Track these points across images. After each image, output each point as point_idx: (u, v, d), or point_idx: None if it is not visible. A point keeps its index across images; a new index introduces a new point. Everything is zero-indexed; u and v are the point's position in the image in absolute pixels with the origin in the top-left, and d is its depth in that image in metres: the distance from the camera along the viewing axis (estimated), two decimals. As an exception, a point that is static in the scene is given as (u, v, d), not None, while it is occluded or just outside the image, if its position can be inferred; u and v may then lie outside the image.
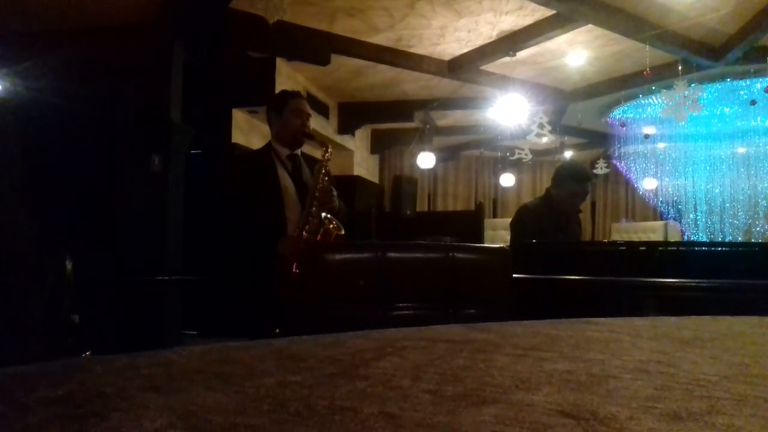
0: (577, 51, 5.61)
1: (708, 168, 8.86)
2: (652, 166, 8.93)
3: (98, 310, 3.36)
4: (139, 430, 0.39)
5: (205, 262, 3.75)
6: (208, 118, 5.05)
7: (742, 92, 6.52)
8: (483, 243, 6.71)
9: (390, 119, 7.70)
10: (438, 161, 8.59)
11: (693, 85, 5.41)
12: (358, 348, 0.70)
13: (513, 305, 1.46)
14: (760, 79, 5.96)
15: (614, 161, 9.22)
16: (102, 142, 4.26)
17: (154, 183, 4.15)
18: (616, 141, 8.32)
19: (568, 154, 9.16)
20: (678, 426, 0.42)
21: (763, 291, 2.26)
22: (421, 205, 9.34)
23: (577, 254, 3.14)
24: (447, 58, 5.88)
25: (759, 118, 7.24)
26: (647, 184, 9.16)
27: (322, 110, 6.84)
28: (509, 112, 5.99)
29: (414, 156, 8.15)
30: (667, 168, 8.95)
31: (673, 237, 7.45)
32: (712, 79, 6.02)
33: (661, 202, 9.30)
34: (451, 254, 1.43)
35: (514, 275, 1.55)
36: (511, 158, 8.73)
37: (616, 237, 8.25)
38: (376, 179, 8.82)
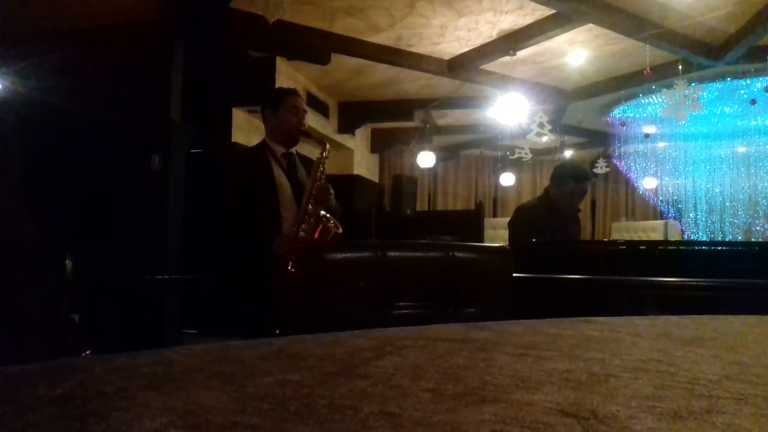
0: (577, 50, 5.60)
1: (708, 167, 8.86)
2: (652, 166, 8.93)
3: (98, 310, 3.36)
4: (139, 429, 0.39)
5: (205, 261, 3.75)
6: (209, 117, 5.05)
7: (742, 91, 6.52)
8: (483, 242, 6.71)
9: (390, 118, 7.70)
10: (438, 160, 8.59)
11: (693, 84, 5.41)
12: (358, 347, 0.70)
13: (513, 304, 1.46)
14: (760, 79, 5.96)
15: (614, 160, 9.22)
16: (102, 141, 4.26)
17: (154, 182, 4.15)
18: (617, 140, 8.32)
19: (568, 154, 9.17)
20: (678, 425, 0.42)
21: (763, 290, 2.26)
22: (421, 205, 9.35)
23: (578, 253, 3.14)
24: (447, 57, 5.88)
25: (759, 118, 7.23)
26: (647, 184, 9.16)
27: (322, 109, 6.84)
28: (509, 111, 5.98)
29: (414, 155, 8.15)
30: (667, 167, 8.95)
31: (673, 236, 7.45)
32: (712, 79, 6.02)
33: (661, 201, 9.30)
34: (451, 253, 1.43)
35: (514, 274, 1.55)
36: (511, 157, 8.73)
37: (616, 236, 8.25)
38: (376, 178, 8.82)
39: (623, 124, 7.62)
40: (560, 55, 5.74)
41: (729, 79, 6.11)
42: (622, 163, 9.09)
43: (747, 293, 2.28)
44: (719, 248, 3.96)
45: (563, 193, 3.19)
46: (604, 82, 6.52)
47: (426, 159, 7.83)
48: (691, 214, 9.11)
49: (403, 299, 1.36)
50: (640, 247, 3.36)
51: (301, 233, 2.27)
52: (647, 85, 6.07)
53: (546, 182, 3.39)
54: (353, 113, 7.37)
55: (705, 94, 5.68)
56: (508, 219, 3.54)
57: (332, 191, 2.37)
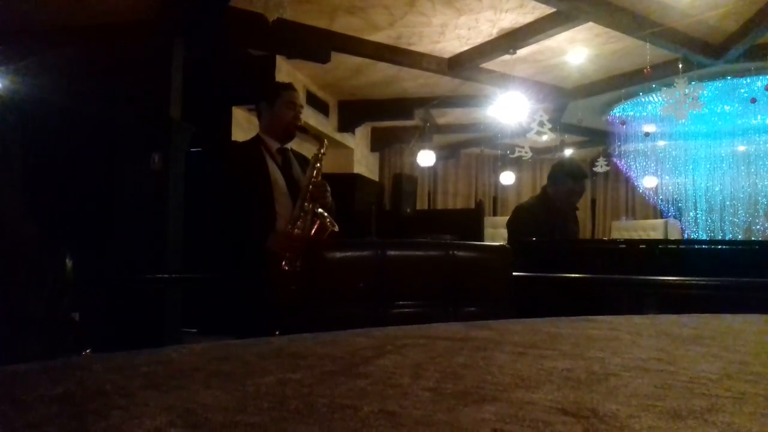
0: (577, 49, 5.60)
1: (708, 166, 8.86)
2: (652, 164, 8.93)
3: (98, 308, 3.36)
4: (139, 428, 0.39)
5: (205, 260, 3.75)
6: (208, 116, 5.05)
7: (742, 90, 6.52)
8: (483, 241, 6.71)
9: (390, 117, 7.70)
10: (438, 159, 8.59)
11: (693, 83, 5.41)
12: (358, 346, 0.70)
13: (513, 303, 1.46)
14: (761, 77, 5.96)
15: (614, 159, 9.22)
16: (102, 139, 4.26)
17: (154, 181, 4.15)
18: (617, 139, 8.32)
19: (568, 152, 9.17)
20: (678, 424, 0.42)
21: (763, 289, 2.26)
22: (421, 203, 9.35)
23: (578, 252, 3.14)
24: (447, 55, 5.87)
25: (759, 116, 7.23)
26: (647, 182, 9.16)
27: (322, 108, 6.84)
28: (509, 110, 5.98)
29: (414, 154, 8.15)
30: (668, 166, 8.95)
31: (673, 235, 7.45)
32: (712, 77, 6.01)
33: (662, 200, 9.30)
34: (451, 252, 1.43)
35: (514, 273, 1.55)
36: (511, 156, 8.73)
37: (616, 235, 8.25)
38: (376, 177, 8.82)
39: (623, 123, 7.62)
40: (560, 54, 5.74)
41: (729, 77, 6.11)
42: (622, 162, 9.09)
43: (747, 292, 2.28)
44: (719, 247, 3.96)
45: (561, 192, 3.19)
46: (605, 81, 6.51)
47: (426, 158, 7.83)
48: (691, 213, 9.11)
49: (403, 298, 1.36)
50: (640, 246, 3.36)
51: (297, 230, 2.24)
52: (647, 83, 6.07)
53: (546, 181, 3.39)
54: (353, 112, 7.36)
55: (705, 92, 5.68)
56: (508, 218, 3.54)
57: (329, 188, 2.34)
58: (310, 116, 6.40)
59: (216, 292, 4.15)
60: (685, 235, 8.72)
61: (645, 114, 7.38)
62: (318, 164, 2.32)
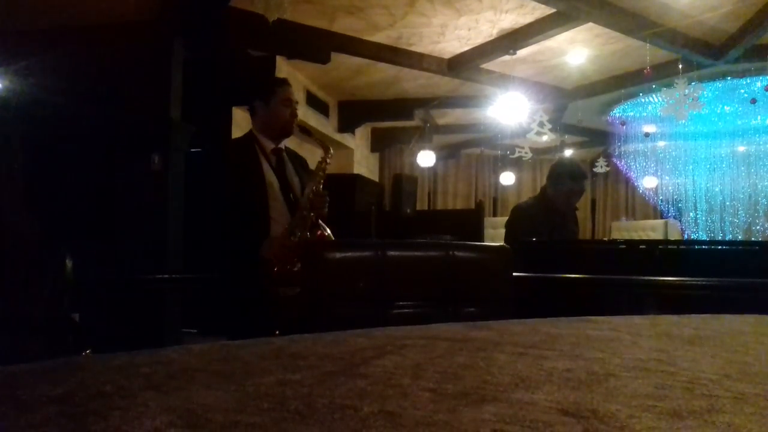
0: (577, 49, 5.60)
1: (708, 166, 8.86)
2: (652, 165, 8.94)
3: (98, 309, 3.36)
4: (139, 428, 0.39)
5: (205, 260, 3.75)
6: (208, 116, 5.05)
7: (742, 90, 6.52)
8: (483, 241, 6.70)
9: (390, 117, 7.70)
10: (438, 160, 8.59)
11: (693, 83, 5.41)
12: (358, 346, 0.70)
13: (513, 304, 1.46)
14: (761, 78, 5.96)
15: (614, 160, 9.23)
16: (102, 140, 4.26)
17: (154, 181, 4.15)
18: (617, 139, 8.33)
19: (568, 153, 9.17)
20: (678, 424, 0.42)
21: (763, 289, 2.26)
22: (422, 204, 9.35)
23: (578, 253, 3.14)
24: (447, 56, 5.88)
25: (759, 117, 7.24)
26: (647, 183, 9.17)
27: (322, 109, 6.84)
28: (509, 110, 5.99)
29: (414, 154, 8.15)
30: (668, 166, 8.95)
31: (673, 235, 7.45)
32: (712, 78, 6.02)
33: (661, 200, 9.30)
34: (451, 253, 1.43)
35: (514, 274, 1.55)
36: (511, 157, 8.74)
37: (616, 235, 8.25)
38: (376, 178, 8.82)
39: (623, 123, 7.62)
40: (560, 54, 5.74)
41: (729, 78, 6.11)
42: (622, 163, 9.10)
43: (747, 292, 2.28)
44: (719, 247, 3.96)
45: (561, 193, 3.19)
46: (605, 81, 6.52)
47: (426, 158, 7.84)
48: (691, 214, 9.11)
49: (403, 298, 1.36)
50: (640, 247, 3.36)
51: (293, 239, 2.14)
52: (647, 84, 6.08)
53: (545, 182, 3.39)
54: (353, 112, 7.36)
55: (705, 93, 5.68)
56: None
57: (328, 199, 2.24)
58: (310, 117, 6.40)
59: (216, 293, 4.14)
60: (685, 236, 8.73)
61: (645, 114, 7.38)
62: (321, 173, 2.22)
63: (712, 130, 8.06)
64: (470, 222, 7.54)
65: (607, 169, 9.12)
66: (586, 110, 7.44)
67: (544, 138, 7.00)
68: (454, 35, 5.32)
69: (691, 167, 8.95)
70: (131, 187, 4.21)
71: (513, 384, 0.52)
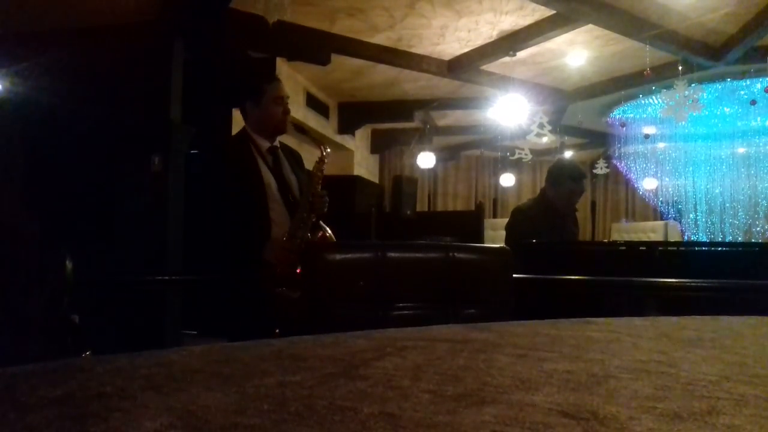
0: (577, 51, 5.61)
1: (708, 168, 8.86)
2: (652, 166, 8.94)
3: (98, 310, 3.35)
4: (139, 430, 0.39)
5: (206, 262, 3.75)
6: (208, 117, 5.05)
7: (742, 92, 6.52)
8: (483, 243, 6.70)
9: (390, 119, 7.70)
10: (438, 161, 8.59)
11: (693, 85, 5.42)
12: (358, 348, 0.70)
13: (513, 305, 1.46)
14: (760, 79, 5.96)
15: (614, 161, 9.23)
16: (102, 141, 4.26)
17: (154, 183, 4.15)
18: (617, 141, 8.33)
19: (568, 154, 9.17)
20: (678, 426, 0.42)
21: (763, 291, 2.26)
22: (421, 205, 9.35)
23: (578, 254, 3.14)
24: (447, 57, 5.88)
25: (759, 118, 7.24)
26: (647, 184, 9.17)
27: (322, 110, 6.84)
28: (509, 112, 5.99)
29: (414, 156, 8.15)
30: (667, 168, 8.95)
31: (673, 237, 7.46)
32: (712, 79, 6.02)
33: (661, 202, 9.30)
34: (451, 254, 1.43)
35: (514, 275, 1.55)
36: (511, 158, 8.74)
37: (616, 237, 8.26)
38: (376, 179, 8.82)
39: (623, 125, 7.63)
40: (560, 56, 5.74)
41: (729, 79, 6.12)
42: (622, 164, 9.10)
43: (747, 294, 2.28)
44: (719, 249, 3.96)
45: (562, 194, 3.19)
46: (604, 83, 6.52)
47: (426, 160, 7.84)
48: (691, 215, 9.11)
49: (403, 300, 1.36)
50: (640, 248, 3.36)
51: (296, 241, 2.12)
52: (647, 85, 6.08)
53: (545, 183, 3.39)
54: (353, 114, 7.37)
55: (705, 94, 5.68)
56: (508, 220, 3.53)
57: (327, 199, 2.20)
58: (310, 118, 6.41)
59: (217, 295, 4.13)
60: (685, 237, 8.73)
61: (645, 116, 7.39)
62: (319, 173, 2.19)
63: (712, 131, 8.06)
64: (470, 223, 7.55)
65: (607, 170, 9.12)
66: (585, 112, 7.44)
67: (544, 139, 7.00)
68: (454, 37, 5.33)
69: (691, 169, 8.95)
70: (131, 188, 4.21)
71: (513, 386, 0.52)
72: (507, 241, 3.26)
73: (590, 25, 4.84)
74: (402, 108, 7.22)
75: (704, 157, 8.77)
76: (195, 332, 4.78)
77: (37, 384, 0.51)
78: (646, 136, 7.92)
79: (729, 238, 8.74)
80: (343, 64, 5.66)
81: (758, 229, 8.61)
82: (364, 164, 8.36)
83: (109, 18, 4.21)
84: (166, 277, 4.09)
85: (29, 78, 4.08)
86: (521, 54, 5.51)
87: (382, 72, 6.06)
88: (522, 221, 3.24)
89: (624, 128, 7.71)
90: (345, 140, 7.59)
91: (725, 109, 7.12)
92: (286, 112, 2.29)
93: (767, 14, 4.61)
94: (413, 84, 6.52)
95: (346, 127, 7.44)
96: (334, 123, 7.26)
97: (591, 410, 0.45)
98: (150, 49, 4.25)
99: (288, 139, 2.46)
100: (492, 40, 5.39)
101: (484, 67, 6.00)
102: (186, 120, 4.37)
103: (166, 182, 4.16)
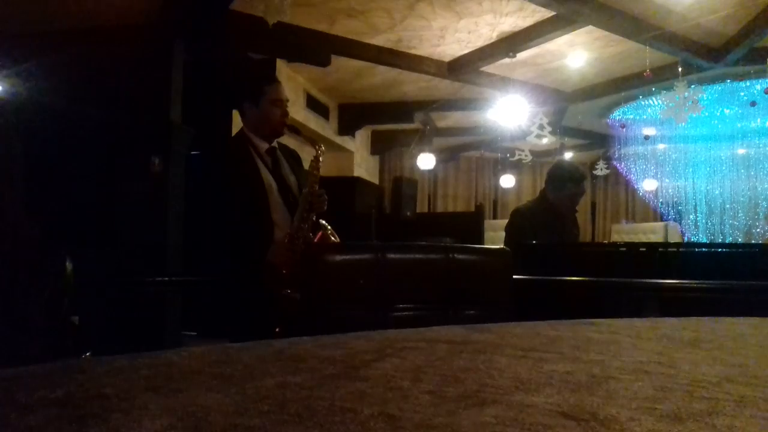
0: (577, 52, 5.61)
1: (708, 169, 8.86)
2: (652, 168, 8.93)
3: (98, 311, 3.36)
4: (139, 430, 0.39)
5: (208, 264, 3.74)
6: (209, 118, 5.05)
7: (742, 93, 6.52)
8: (483, 244, 6.70)
9: (390, 120, 7.71)
10: (438, 162, 8.59)
11: (693, 86, 5.42)
12: (358, 349, 0.70)
13: (513, 306, 1.46)
14: (760, 81, 5.96)
15: (614, 162, 9.23)
16: (102, 142, 4.26)
17: (154, 184, 4.15)
18: (617, 142, 8.33)
19: (568, 155, 9.17)
20: (678, 427, 0.42)
21: (763, 292, 2.26)
22: (421, 207, 9.35)
23: (578, 255, 3.14)
24: (447, 59, 5.88)
25: (759, 120, 7.24)
26: (647, 186, 9.16)
27: (323, 111, 6.85)
28: (509, 113, 5.99)
29: (414, 157, 8.15)
30: (667, 169, 8.95)
31: (674, 238, 7.45)
32: (712, 81, 6.02)
33: (662, 203, 9.30)
34: (451, 255, 1.43)
35: (514, 276, 1.55)
36: (511, 159, 8.74)
37: (616, 238, 8.25)
38: (376, 180, 8.82)
39: (623, 126, 7.63)
40: (560, 57, 5.74)
41: (729, 81, 6.12)
42: (622, 165, 9.10)
43: (747, 295, 2.28)
44: (719, 250, 3.96)
45: (562, 196, 3.19)
46: (604, 84, 6.52)
47: (426, 161, 7.84)
48: (691, 216, 9.11)
49: (403, 301, 1.36)
50: (640, 249, 3.36)
51: (297, 241, 2.11)
52: (647, 87, 6.08)
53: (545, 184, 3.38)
54: (353, 115, 7.37)
55: (705, 95, 5.68)
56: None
57: (326, 197, 2.19)
58: (310, 119, 6.41)
59: (219, 296, 4.13)
60: (685, 238, 8.72)
61: (645, 117, 7.38)
62: (315, 172, 2.18)
63: (712, 132, 8.06)
64: (470, 225, 7.55)
65: (607, 171, 9.12)
66: (585, 113, 7.45)
67: (544, 141, 7.00)
68: (454, 38, 5.33)
69: (691, 170, 8.95)
70: (131, 189, 4.21)
71: (513, 387, 0.52)
72: (506, 242, 3.26)
73: (590, 27, 4.84)
74: (402, 109, 7.23)
75: (704, 159, 8.77)
76: (195, 333, 4.78)
77: (38, 385, 0.51)
78: (646, 138, 7.92)
79: (729, 240, 8.74)
80: (343, 65, 5.66)
81: (758, 230, 8.61)
82: (364, 165, 8.36)
83: (109, 19, 4.22)
84: (166, 279, 4.09)
85: (30, 79, 4.08)
86: (521, 55, 5.51)
87: (382, 73, 6.06)
88: (521, 222, 3.25)
89: (624, 129, 7.71)
90: (345, 141, 7.59)
91: (725, 110, 7.12)
92: (284, 114, 2.28)
93: (767, 16, 4.62)
94: (413, 85, 6.52)
95: (346, 128, 7.44)
96: (334, 124, 7.26)
97: (591, 411, 0.45)
98: (150, 50, 4.26)
99: (284, 139, 2.44)
100: (492, 41, 5.39)
101: (484, 69, 6.00)
102: (186, 121, 4.37)
103: (166, 183, 4.16)
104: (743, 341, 0.90)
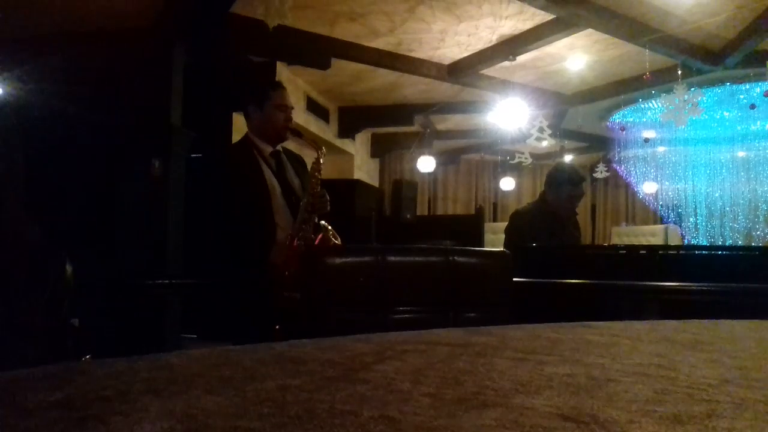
0: (576, 55, 5.62)
1: (708, 172, 8.86)
2: (652, 170, 8.94)
3: (98, 314, 3.35)
4: (139, 433, 0.39)
5: (205, 266, 3.75)
6: (209, 121, 5.06)
7: (741, 96, 6.53)
8: (483, 247, 6.70)
9: (390, 123, 7.71)
10: (438, 165, 8.60)
11: (693, 89, 5.42)
12: (358, 351, 0.70)
13: (513, 309, 1.46)
14: (760, 84, 5.97)
15: (614, 165, 9.23)
16: (102, 145, 4.26)
17: (154, 187, 4.15)
18: (616, 145, 8.33)
19: (568, 158, 9.18)
20: (678, 429, 0.42)
21: (763, 294, 2.26)
22: (422, 209, 9.35)
23: (578, 258, 3.14)
24: (447, 62, 5.89)
25: (758, 122, 7.25)
26: (647, 188, 9.17)
27: (323, 114, 6.86)
28: (509, 116, 6.00)
29: (414, 160, 8.16)
30: (667, 172, 8.96)
31: (674, 241, 7.45)
32: (711, 83, 6.03)
33: (662, 205, 9.30)
34: (451, 258, 1.43)
35: (514, 279, 1.55)
36: (511, 162, 8.74)
37: (616, 241, 8.25)
38: (376, 183, 8.82)
39: (623, 129, 7.63)
40: (560, 60, 5.75)
41: (728, 84, 6.13)
42: (622, 168, 9.10)
43: (747, 298, 2.28)
44: (719, 253, 3.96)
45: (561, 198, 3.20)
46: (604, 87, 6.53)
47: (426, 163, 7.84)
48: (691, 219, 9.11)
49: (403, 304, 1.36)
50: (640, 252, 3.36)
51: (299, 242, 2.14)
52: (647, 89, 6.09)
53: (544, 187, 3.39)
54: (353, 118, 7.38)
55: (704, 98, 5.69)
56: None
57: (328, 197, 2.23)
58: (310, 122, 6.42)
59: (216, 298, 4.13)
60: (685, 241, 8.72)
61: (644, 120, 7.39)
62: (316, 174, 2.22)
63: (712, 135, 8.07)
64: (470, 227, 7.55)
65: (607, 174, 9.12)
66: (585, 116, 7.45)
67: (544, 143, 7.01)
68: (454, 41, 5.34)
69: (690, 172, 8.96)
70: (131, 192, 4.21)
71: (513, 389, 0.52)
72: (506, 244, 3.26)
73: (590, 30, 4.85)
74: (402, 112, 7.23)
75: (704, 161, 8.77)
76: (195, 336, 4.78)
77: (38, 388, 0.51)
78: (646, 140, 7.92)
79: (729, 242, 8.74)
80: (343, 68, 5.67)
81: (758, 232, 8.61)
82: (364, 168, 8.36)
83: (110, 22, 4.22)
84: (166, 281, 4.09)
85: (30, 82, 4.09)
86: (521, 58, 5.52)
87: (383, 76, 6.07)
88: (520, 225, 3.25)
89: (624, 132, 7.72)
90: (345, 144, 7.59)
91: (725, 113, 7.13)
92: (288, 119, 2.32)
93: (765, 19, 4.62)
94: (413, 88, 6.53)
95: (347, 131, 7.45)
96: (334, 127, 7.27)
97: (591, 414, 0.45)
98: (150, 53, 4.26)
99: (287, 142, 2.47)
100: (492, 44, 5.40)
101: (484, 72, 6.01)
102: (186, 124, 4.37)
103: (166, 186, 4.16)
104: (743, 344, 0.90)
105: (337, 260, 1.35)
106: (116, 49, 4.29)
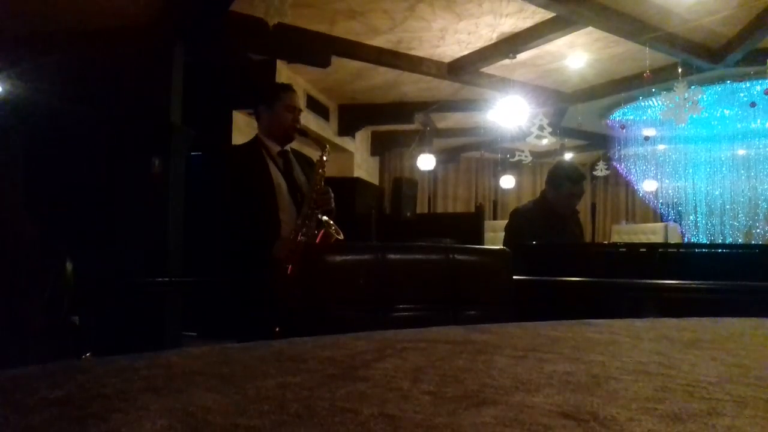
0: (577, 53, 5.61)
1: (708, 170, 8.86)
2: (652, 168, 8.93)
3: (98, 312, 3.36)
4: (139, 431, 0.39)
5: (206, 263, 3.75)
6: (209, 120, 5.06)
7: (741, 94, 6.53)
8: (483, 245, 6.70)
9: (390, 121, 7.71)
10: (438, 163, 8.59)
11: (693, 87, 5.42)
12: (358, 349, 0.70)
13: (513, 307, 1.46)
14: (760, 81, 5.96)
15: (614, 163, 9.23)
16: (102, 143, 4.26)
17: (154, 185, 4.15)
18: (617, 143, 8.33)
19: (568, 156, 9.18)
20: (678, 427, 0.42)
21: (763, 292, 2.26)
22: (422, 207, 9.35)
23: (578, 256, 3.14)
24: (447, 60, 5.89)
25: (759, 120, 7.24)
26: (647, 186, 9.16)
27: (323, 112, 6.85)
28: (509, 114, 5.99)
29: (414, 158, 8.15)
30: (667, 170, 8.95)
31: (674, 239, 7.45)
32: (711, 81, 6.02)
33: (662, 203, 9.30)
34: (451, 256, 1.43)
35: (514, 277, 1.55)
36: (511, 160, 8.74)
37: (616, 239, 8.25)
38: (376, 181, 8.82)
39: (623, 127, 7.63)
40: (560, 58, 5.75)
41: (728, 82, 6.12)
42: (622, 166, 9.10)
43: (747, 296, 2.28)
44: (719, 251, 3.96)
45: (561, 196, 3.20)
46: (604, 85, 6.53)
47: (426, 161, 7.84)
48: (691, 217, 9.11)
49: (403, 301, 1.36)
50: (640, 250, 3.36)
51: (302, 238, 2.20)
52: (647, 87, 6.08)
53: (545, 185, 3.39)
54: (353, 116, 7.37)
55: (705, 96, 5.68)
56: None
57: (332, 194, 2.31)
58: (310, 120, 6.41)
59: (216, 296, 4.14)
60: (685, 239, 8.72)
61: (645, 118, 7.39)
62: (321, 171, 2.29)
63: (712, 133, 8.07)
64: (470, 225, 7.54)
65: (607, 172, 9.12)
66: (585, 114, 7.45)
67: (544, 141, 7.00)
68: (454, 39, 5.33)
69: (690, 170, 8.95)
70: (131, 190, 4.21)
71: (513, 387, 0.52)
72: (506, 242, 3.26)
73: (590, 28, 4.85)
74: (402, 110, 7.23)
75: (704, 159, 8.77)
76: (195, 334, 4.78)
77: (38, 385, 0.51)
78: (646, 138, 7.92)
79: (729, 240, 8.73)
80: (343, 66, 5.66)
81: (758, 230, 8.61)
82: (364, 166, 8.36)
83: (109, 20, 4.22)
84: (166, 279, 4.10)
85: (30, 80, 4.08)
86: (521, 56, 5.51)
87: (382, 74, 6.06)
88: (521, 223, 3.25)
89: (624, 130, 7.72)
90: (345, 142, 7.59)
91: (725, 111, 7.12)
92: (296, 121, 2.42)
93: (766, 17, 4.62)
94: (413, 86, 6.53)
95: (346, 129, 7.45)
96: (334, 125, 7.26)
97: (591, 411, 0.45)
98: (150, 51, 4.26)
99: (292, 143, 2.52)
100: (492, 42, 5.39)
101: (484, 70, 6.01)
102: (186, 122, 4.37)
103: (166, 184, 4.16)
104: (743, 342, 0.90)
105: (338, 258, 1.35)
106: (116, 48, 4.28)
